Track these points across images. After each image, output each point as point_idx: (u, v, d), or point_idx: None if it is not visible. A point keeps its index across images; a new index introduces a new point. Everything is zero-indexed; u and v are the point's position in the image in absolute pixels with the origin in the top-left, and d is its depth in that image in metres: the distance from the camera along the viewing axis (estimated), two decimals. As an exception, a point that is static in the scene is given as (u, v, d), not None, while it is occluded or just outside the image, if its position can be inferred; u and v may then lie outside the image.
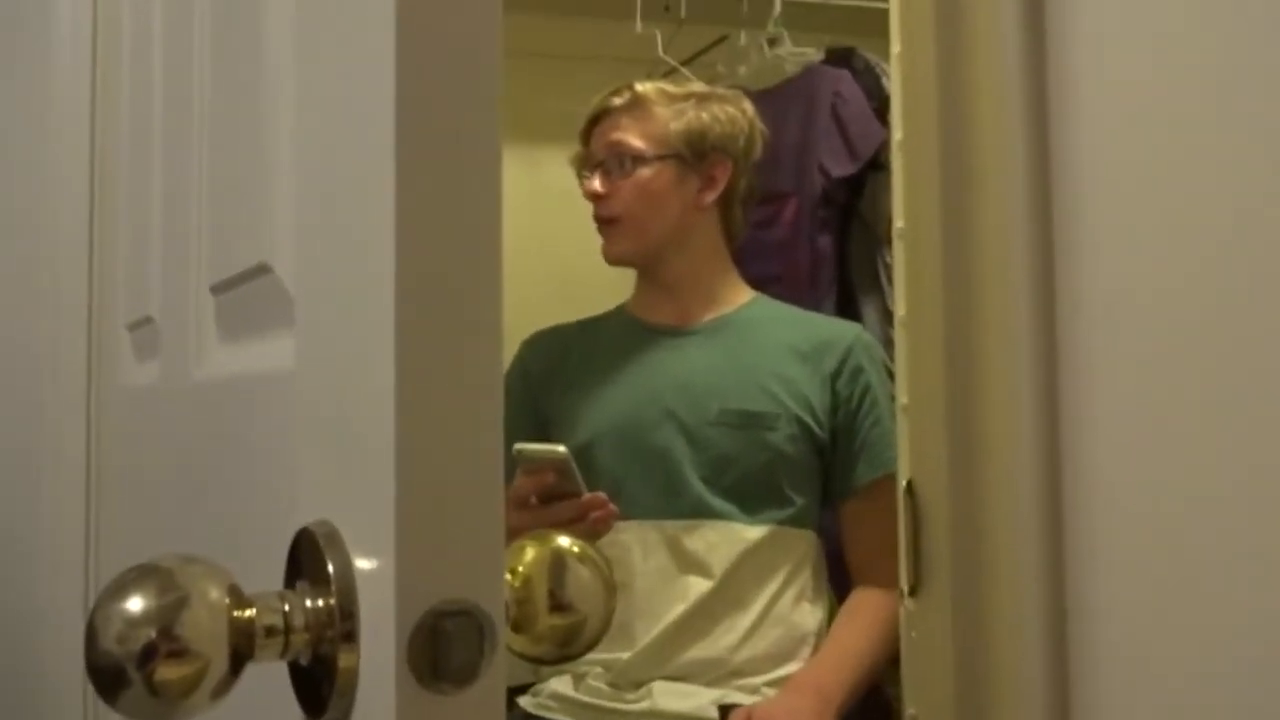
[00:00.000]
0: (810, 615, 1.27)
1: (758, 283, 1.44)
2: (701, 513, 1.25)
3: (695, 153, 1.32)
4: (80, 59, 1.19)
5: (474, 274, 0.44)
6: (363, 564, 0.44)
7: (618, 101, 1.34)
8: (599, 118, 1.36)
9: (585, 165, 1.38)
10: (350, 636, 0.44)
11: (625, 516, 1.19)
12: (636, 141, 1.32)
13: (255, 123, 0.62)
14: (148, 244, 0.89)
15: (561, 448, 1.12)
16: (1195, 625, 0.60)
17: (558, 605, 0.50)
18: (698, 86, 1.42)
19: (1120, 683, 0.64)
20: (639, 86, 1.36)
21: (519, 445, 1.12)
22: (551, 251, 1.89)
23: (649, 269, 1.36)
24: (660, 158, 1.31)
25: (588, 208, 1.37)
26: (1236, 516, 0.58)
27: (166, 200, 0.84)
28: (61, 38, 1.26)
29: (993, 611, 0.70)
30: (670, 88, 1.37)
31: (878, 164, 1.62)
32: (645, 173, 1.31)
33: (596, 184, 1.32)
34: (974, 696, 0.70)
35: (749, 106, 1.38)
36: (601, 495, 1.13)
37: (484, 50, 0.44)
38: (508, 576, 0.49)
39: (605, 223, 1.33)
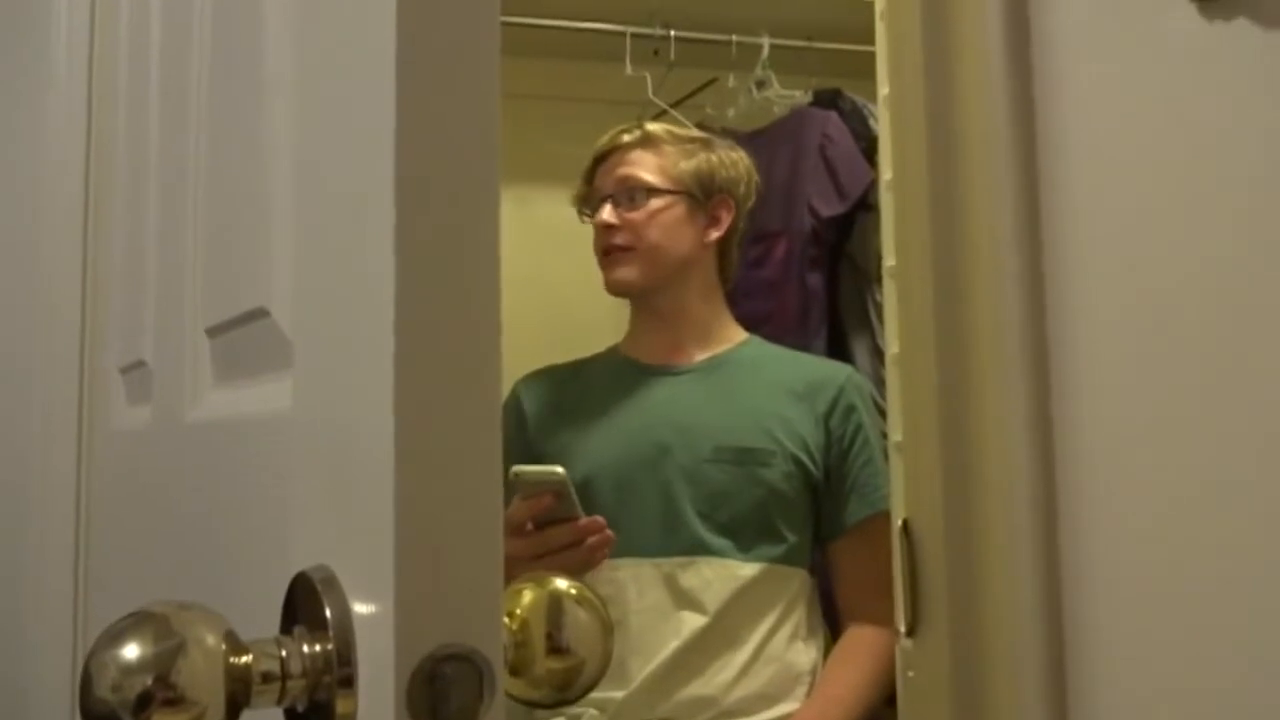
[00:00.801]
0: (804, 654, 1.26)
1: (748, 321, 1.45)
2: (697, 549, 1.24)
3: (704, 191, 1.36)
4: (75, 99, 1.19)
5: (473, 317, 0.44)
6: (361, 609, 0.44)
7: (627, 138, 1.37)
8: (606, 155, 1.37)
9: (587, 202, 1.39)
10: (348, 682, 0.43)
11: (621, 554, 1.19)
12: (649, 175, 1.34)
13: (254, 166, 0.63)
14: (142, 287, 0.89)
15: (559, 469, 1.11)
16: (1195, 658, 0.60)
17: (555, 648, 0.50)
18: (698, 132, 1.46)
19: (1120, 717, 0.64)
20: (649, 126, 1.38)
21: (516, 468, 1.11)
22: (543, 289, 1.90)
23: (648, 302, 1.36)
24: (672, 193, 1.34)
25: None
26: (1234, 547, 0.58)
27: (162, 243, 0.84)
28: (57, 78, 1.27)
29: (991, 650, 0.69)
30: (678, 130, 1.41)
31: (866, 204, 1.64)
32: (657, 204, 1.33)
33: (607, 214, 1.33)
34: (973, 737, 0.70)
35: (745, 155, 1.42)
36: (599, 520, 1.12)
37: (483, 95, 0.45)
38: (505, 620, 0.49)
39: (615, 251, 1.33)
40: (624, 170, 1.35)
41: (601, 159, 1.38)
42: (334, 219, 0.50)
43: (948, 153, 0.78)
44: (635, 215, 1.32)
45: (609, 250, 1.34)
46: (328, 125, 0.51)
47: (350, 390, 0.47)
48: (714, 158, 1.37)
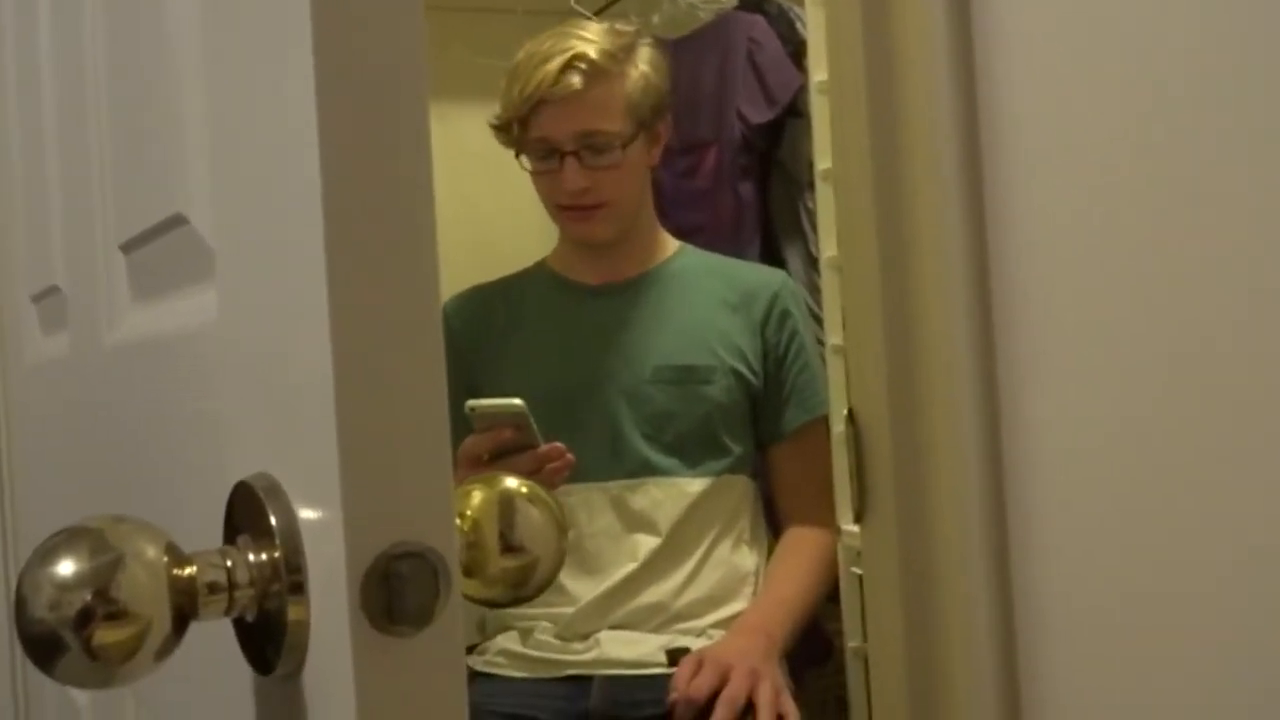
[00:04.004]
0: (749, 557, 1.29)
1: (682, 233, 1.44)
2: (645, 470, 1.25)
3: (653, 115, 1.28)
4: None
5: (406, 210, 0.42)
6: (307, 513, 0.43)
7: (576, 83, 1.21)
8: (548, 101, 1.22)
9: (531, 149, 1.26)
10: (298, 588, 0.42)
11: (569, 479, 1.18)
12: (613, 125, 1.23)
13: (160, 60, 0.59)
14: (46, 206, 0.84)
15: (517, 400, 1.08)
16: (1136, 544, 0.62)
17: (509, 547, 0.49)
18: (621, 31, 1.30)
19: (1063, 595, 0.66)
20: (590, 54, 1.22)
21: (472, 402, 1.08)
22: (464, 206, 1.86)
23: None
24: (633, 134, 1.25)
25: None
26: (1166, 442, 0.60)
27: (64, 154, 0.79)
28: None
29: (937, 534, 0.71)
30: (608, 44, 1.25)
31: (796, 110, 1.62)
32: (626, 154, 1.25)
33: (574, 176, 1.22)
34: (921, 619, 0.72)
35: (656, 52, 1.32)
36: (559, 445, 1.09)
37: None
38: (456, 521, 0.48)
39: (588, 209, 1.26)
40: (586, 124, 1.22)
41: (541, 103, 1.22)
42: (251, 114, 0.47)
43: (884, 51, 0.77)
44: (605, 171, 1.23)
45: (574, 208, 1.26)
46: (238, 10, 0.48)
47: (281, 294, 0.45)
48: (649, 71, 1.27)
